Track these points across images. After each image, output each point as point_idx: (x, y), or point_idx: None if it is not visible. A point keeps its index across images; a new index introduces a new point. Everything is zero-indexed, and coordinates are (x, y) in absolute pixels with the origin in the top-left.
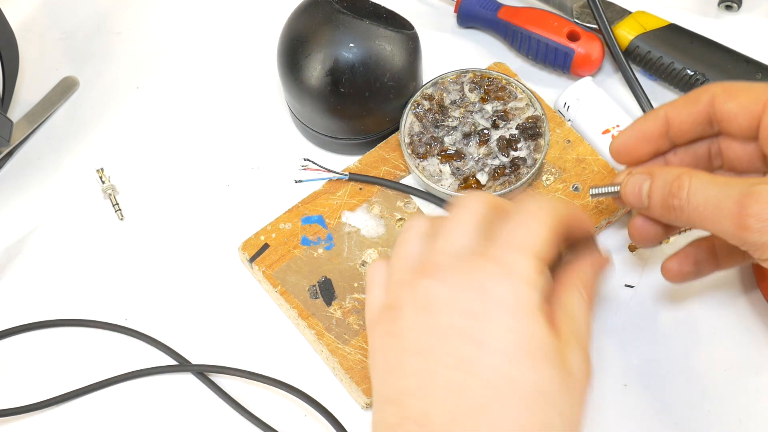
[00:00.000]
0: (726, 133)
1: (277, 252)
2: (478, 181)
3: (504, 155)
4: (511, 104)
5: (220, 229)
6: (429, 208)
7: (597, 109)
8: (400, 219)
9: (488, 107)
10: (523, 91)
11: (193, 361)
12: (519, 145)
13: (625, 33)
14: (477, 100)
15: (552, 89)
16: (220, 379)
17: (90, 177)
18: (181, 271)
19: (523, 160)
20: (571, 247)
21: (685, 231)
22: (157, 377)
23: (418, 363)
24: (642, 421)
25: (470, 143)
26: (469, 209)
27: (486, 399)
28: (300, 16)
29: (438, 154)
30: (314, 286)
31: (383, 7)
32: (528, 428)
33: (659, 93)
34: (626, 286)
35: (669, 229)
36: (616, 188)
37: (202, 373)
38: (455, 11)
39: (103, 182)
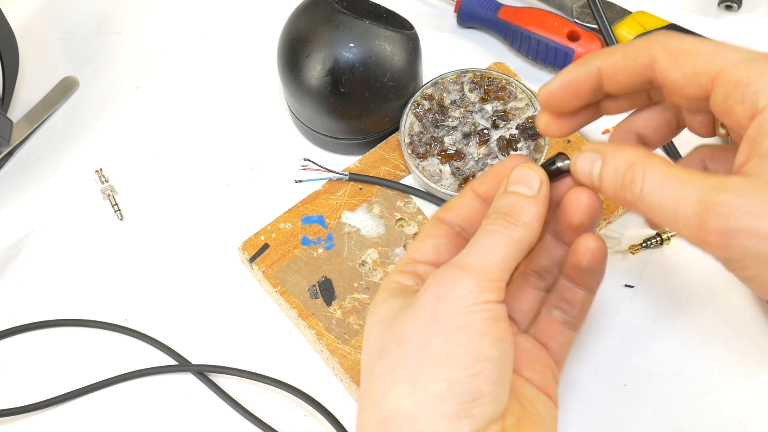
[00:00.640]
0: (670, 99)
1: (277, 252)
2: None
3: (504, 155)
4: (511, 104)
5: (220, 229)
6: (429, 208)
7: None
8: (400, 219)
9: (488, 107)
10: (523, 91)
11: (193, 361)
12: (519, 145)
13: (625, 33)
14: (477, 100)
15: None
16: (220, 379)
17: (89, 177)
18: (181, 271)
19: None
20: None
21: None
22: (157, 377)
23: None
24: (642, 421)
25: (470, 143)
26: None
27: None
28: (300, 16)
29: (438, 154)
30: (314, 286)
31: (383, 7)
32: None
33: None
34: (626, 286)
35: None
36: (566, 162)
37: (202, 373)
38: (455, 11)
39: (103, 182)
